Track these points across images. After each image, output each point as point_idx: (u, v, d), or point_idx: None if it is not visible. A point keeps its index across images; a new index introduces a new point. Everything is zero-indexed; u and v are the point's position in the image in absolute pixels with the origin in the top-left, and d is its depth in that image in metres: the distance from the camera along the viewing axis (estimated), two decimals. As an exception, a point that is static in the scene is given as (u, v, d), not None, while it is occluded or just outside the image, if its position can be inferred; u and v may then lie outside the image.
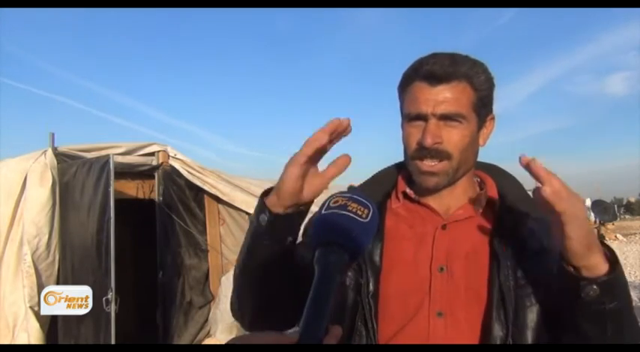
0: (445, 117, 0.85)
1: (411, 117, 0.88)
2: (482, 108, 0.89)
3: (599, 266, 0.70)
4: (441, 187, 0.89)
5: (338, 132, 0.72)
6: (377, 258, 0.87)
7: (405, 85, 0.91)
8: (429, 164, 0.86)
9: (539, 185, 0.68)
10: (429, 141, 0.84)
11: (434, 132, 0.84)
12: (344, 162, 0.75)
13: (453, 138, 0.85)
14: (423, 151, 0.86)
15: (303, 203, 0.76)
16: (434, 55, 0.88)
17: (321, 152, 0.73)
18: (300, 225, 0.80)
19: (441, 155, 0.86)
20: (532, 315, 0.81)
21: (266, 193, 0.79)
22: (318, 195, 0.76)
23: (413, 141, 0.88)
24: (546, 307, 0.82)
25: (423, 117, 0.86)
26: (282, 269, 0.81)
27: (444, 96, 0.85)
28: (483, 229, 0.89)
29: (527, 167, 0.70)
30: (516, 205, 0.90)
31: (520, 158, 0.70)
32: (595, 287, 0.69)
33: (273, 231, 0.77)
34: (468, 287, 0.84)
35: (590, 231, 0.70)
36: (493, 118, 0.93)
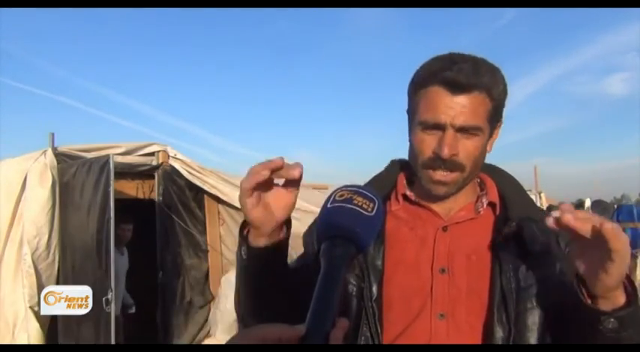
0: (463, 129, 0.84)
1: (427, 126, 0.85)
2: (495, 117, 0.88)
3: (618, 298, 0.69)
4: (449, 195, 0.89)
5: (281, 174, 0.70)
6: (379, 262, 0.87)
7: (421, 86, 0.87)
8: (442, 174, 0.85)
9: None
10: (446, 153, 0.82)
11: (451, 144, 0.83)
12: (297, 172, 0.71)
13: (468, 149, 0.84)
14: (437, 162, 0.85)
15: (282, 221, 0.76)
16: (455, 61, 0.84)
17: (265, 184, 0.72)
18: (286, 246, 0.79)
19: (455, 166, 0.85)
20: (533, 317, 0.81)
21: (244, 225, 0.79)
22: (292, 208, 0.76)
23: (427, 149, 0.85)
24: (547, 309, 0.82)
25: (440, 127, 0.84)
26: (282, 290, 0.81)
27: (463, 108, 0.82)
28: (485, 231, 0.89)
29: (561, 224, 0.66)
30: (517, 207, 0.90)
31: (549, 219, 0.67)
32: (613, 320, 0.69)
33: (258, 261, 0.77)
34: (469, 289, 0.84)
35: (626, 266, 0.68)
36: (501, 125, 0.93)
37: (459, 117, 0.82)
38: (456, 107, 0.82)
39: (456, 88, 0.82)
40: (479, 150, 0.86)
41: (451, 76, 0.82)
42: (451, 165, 0.85)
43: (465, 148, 0.84)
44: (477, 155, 0.86)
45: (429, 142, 0.85)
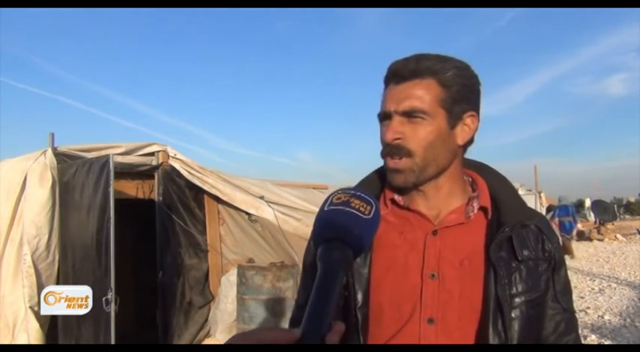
0: (407, 114, 0.85)
1: (380, 118, 0.90)
2: (454, 104, 0.87)
3: None
4: (411, 185, 0.89)
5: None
6: (365, 269, 0.87)
7: (383, 89, 0.92)
8: (393, 161, 0.87)
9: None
10: (388, 137, 0.86)
11: (394, 129, 0.86)
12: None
13: (416, 134, 0.85)
14: (387, 149, 0.87)
15: None
16: (404, 57, 0.89)
17: None
18: None
19: (401, 152, 0.86)
20: (527, 323, 0.81)
21: None
22: None
23: (382, 140, 0.89)
24: (539, 315, 0.83)
25: (388, 116, 0.87)
26: None
27: (406, 94, 0.85)
28: (476, 236, 0.88)
29: None
30: (509, 211, 0.89)
31: None
32: None
33: None
34: (462, 295, 0.84)
35: None
36: (474, 116, 0.90)
37: (403, 102, 0.85)
38: (400, 95, 0.86)
39: (399, 77, 0.87)
40: (431, 136, 0.85)
41: (393, 69, 0.88)
42: (396, 149, 0.86)
43: (412, 132, 0.85)
44: (431, 141, 0.85)
45: (383, 133, 0.89)
